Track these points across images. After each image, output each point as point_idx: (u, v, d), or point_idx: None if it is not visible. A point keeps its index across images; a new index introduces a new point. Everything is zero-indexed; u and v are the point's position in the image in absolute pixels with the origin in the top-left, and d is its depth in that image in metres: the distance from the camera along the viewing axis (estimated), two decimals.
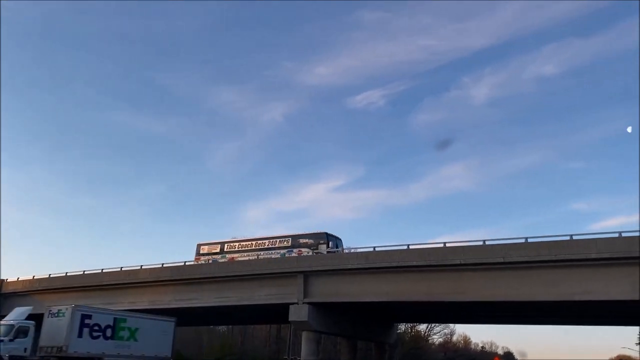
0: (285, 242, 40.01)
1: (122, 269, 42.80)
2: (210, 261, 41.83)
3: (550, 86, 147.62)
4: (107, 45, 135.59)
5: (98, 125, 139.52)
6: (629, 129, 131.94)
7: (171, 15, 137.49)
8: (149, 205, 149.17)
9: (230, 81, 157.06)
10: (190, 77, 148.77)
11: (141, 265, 42.65)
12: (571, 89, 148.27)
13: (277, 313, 39.40)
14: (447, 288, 30.48)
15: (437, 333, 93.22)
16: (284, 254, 38.91)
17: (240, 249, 42.11)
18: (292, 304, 34.68)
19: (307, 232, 40.16)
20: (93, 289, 42.90)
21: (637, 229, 31.35)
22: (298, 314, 34.35)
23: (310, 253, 37.71)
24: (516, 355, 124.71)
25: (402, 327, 75.69)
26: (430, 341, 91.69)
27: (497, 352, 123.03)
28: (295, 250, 38.93)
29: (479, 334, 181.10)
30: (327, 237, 38.68)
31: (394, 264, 31.37)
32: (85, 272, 44.33)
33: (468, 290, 29.90)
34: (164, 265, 41.28)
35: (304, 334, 36.02)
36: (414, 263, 30.75)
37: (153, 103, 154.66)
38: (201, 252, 43.70)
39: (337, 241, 39.49)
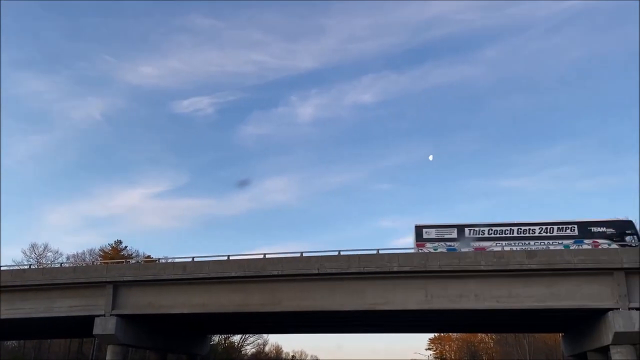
0: (569, 230, 31.77)
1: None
2: (445, 249, 32.49)
3: (366, 113, 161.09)
4: None
5: None
6: (430, 157, 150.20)
7: None
8: None
9: (39, 69, 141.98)
10: None
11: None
12: (384, 117, 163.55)
13: (80, 326, 36.07)
14: (263, 299, 30.92)
15: (251, 343, 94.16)
16: (569, 245, 31.01)
17: (492, 235, 33.08)
18: (98, 316, 32.07)
19: (602, 218, 32.61)
20: None
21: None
22: (104, 326, 31.82)
23: (613, 246, 30.43)
24: None
25: (215, 338, 74.84)
26: (243, 352, 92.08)
27: None
28: (587, 241, 31.04)
29: (291, 343, 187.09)
30: (635, 228, 31.68)
31: (213, 275, 30.91)
32: None
33: (284, 300, 30.69)
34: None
35: (109, 348, 33.47)
36: (233, 274, 30.65)
37: None
38: (425, 236, 34.03)
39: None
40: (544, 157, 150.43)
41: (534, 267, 27.42)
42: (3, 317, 33.75)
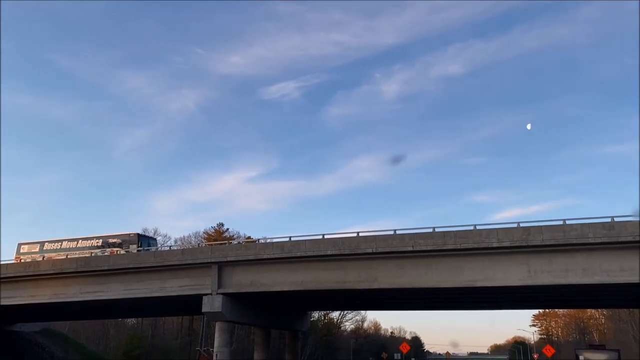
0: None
1: (21, 260, 40.16)
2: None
3: (454, 84, 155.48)
4: (3, 22, 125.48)
5: None
6: (529, 126, 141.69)
7: None
8: (49, 193, 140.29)
9: (138, 66, 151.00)
10: (95, 60, 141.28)
11: (43, 256, 40.28)
12: (473, 88, 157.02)
13: (189, 304, 38.55)
14: (359, 276, 31.24)
15: (349, 320, 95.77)
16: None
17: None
18: (206, 294, 34.10)
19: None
20: None
21: (533, 219, 33.66)
22: (212, 304, 33.84)
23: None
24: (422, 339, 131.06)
25: (315, 314, 76.88)
26: (342, 328, 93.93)
27: (405, 337, 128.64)
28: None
29: (389, 320, 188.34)
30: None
31: (309, 254, 31.67)
32: None
33: (379, 277, 30.84)
34: (68, 257, 39.13)
35: (218, 325, 35.58)
36: (329, 252, 31.21)
37: (54, 86, 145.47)
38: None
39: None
40: None
41: None
42: (120, 297, 36.91)
